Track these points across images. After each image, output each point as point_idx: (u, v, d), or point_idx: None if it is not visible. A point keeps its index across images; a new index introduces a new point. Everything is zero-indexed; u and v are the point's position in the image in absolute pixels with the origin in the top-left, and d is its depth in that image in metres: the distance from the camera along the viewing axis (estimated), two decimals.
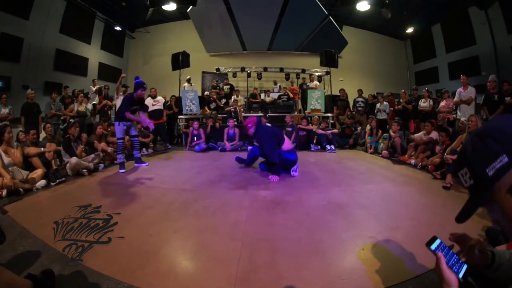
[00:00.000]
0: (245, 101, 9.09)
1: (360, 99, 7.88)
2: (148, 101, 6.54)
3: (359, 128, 7.45)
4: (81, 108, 6.36)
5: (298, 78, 11.35)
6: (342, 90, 8.33)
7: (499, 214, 0.56)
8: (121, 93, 5.83)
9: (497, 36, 8.32)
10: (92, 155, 4.39)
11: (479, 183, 0.55)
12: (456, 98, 5.61)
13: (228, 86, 9.28)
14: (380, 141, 5.86)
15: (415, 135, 5.00)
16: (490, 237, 1.79)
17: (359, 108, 7.76)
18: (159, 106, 6.66)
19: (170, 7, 9.08)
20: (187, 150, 6.39)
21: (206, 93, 9.08)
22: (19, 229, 2.13)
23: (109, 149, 4.77)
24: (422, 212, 2.48)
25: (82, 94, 6.74)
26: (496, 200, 0.54)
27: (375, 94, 9.35)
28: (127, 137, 4.73)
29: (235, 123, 6.74)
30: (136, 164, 4.50)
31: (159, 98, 6.77)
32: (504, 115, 0.60)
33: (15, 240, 1.94)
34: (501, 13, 8.04)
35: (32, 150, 3.69)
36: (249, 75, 11.41)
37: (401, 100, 7.08)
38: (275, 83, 10.72)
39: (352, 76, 11.91)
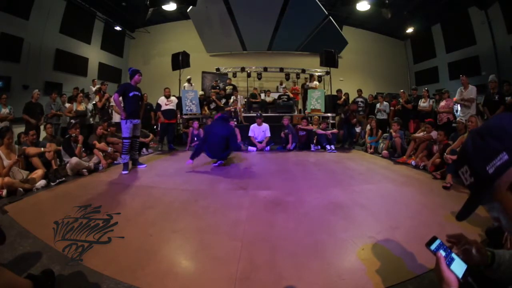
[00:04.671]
0: (245, 101, 9.09)
1: (359, 99, 7.88)
2: (162, 100, 6.49)
3: (359, 128, 7.46)
4: (80, 108, 6.35)
5: (298, 78, 11.35)
6: (339, 91, 8.33)
7: (500, 212, 0.56)
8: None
9: (497, 36, 8.32)
10: (95, 157, 4.40)
11: (479, 181, 0.55)
12: (457, 97, 5.62)
13: (231, 87, 9.29)
14: (380, 141, 5.87)
15: (417, 134, 5.00)
16: (490, 237, 1.79)
17: (359, 108, 7.76)
18: (172, 106, 6.51)
19: (170, 7, 9.07)
20: (187, 150, 6.39)
21: (200, 93, 9.03)
22: (19, 229, 2.13)
23: (109, 149, 4.77)
24: (422, 212, 2.48)
25: (81, 94, 6.73)
26: (497, 198, 0.54)
27: (375, 94, 9.35)
28: None
29: (235, 123, 6.74)
30: (133, 165, 4.40)
31: (172, 98, 6.66)
32: (505, 113, 0.60)
33: (15, 240, 1.94)
34: (501, 13, 8.04)
35: (32, 150, 3.69)
36: (249, 75, 11.40)
37: (400, 100, 7.09)
38: (281, 83, 10.75)
39: (352, 76, 11.91)
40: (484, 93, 5.77)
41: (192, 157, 4.28)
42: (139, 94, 4.34)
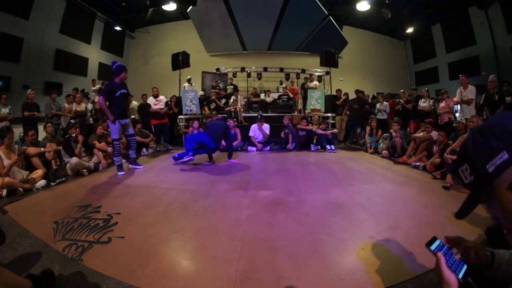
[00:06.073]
0: (245, 101, 9.09)
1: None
2: (150, 101, 6.44)
3: (359, 128, 7.45)
4: (80, 108, 6.35)
5: (298, 78, 11.36)
6: (339, 91, 8.32)
7: (499, 211, 0.55)
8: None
9: (497, 36, 8.32)
10: (95, 157, 4.40)
11: (479, 179, 0.55)
12: (456, 98, 5.63)
13: (232, 87, 9.31)
14: (380, 141, 5.87)
15: (417, 134, 5.00)
16: (490, 237, 1.79)
17: None
18: (161, 105, 6.44)
19: (170, 7, 9.08)
20: None
21: (200, 93, 9.04)
22: (19, 229, 2.13)
23: (109, 149, 4.76)
24: (422, 212, 2.48)
25: (78, 94, 6.71)
26: (496, 197, 0.54)
27: (375, 94, 9.34)
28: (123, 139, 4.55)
29: (235, 123, 6.74)
30: (130, 165, 4.32)
31: (161, 97, 6.53)
32: (506, 112, 0.59)
33: (15, 240, 1.94)
34: (501, 13, 8.04)
35: (32, 150, 3.69)
36: (249, 75, 11.41)
37: (400, 100, 7.09)
38: (281, 83, 10.79)
39: (352, 76, 11.91)
40: (484, 93, 5.77)
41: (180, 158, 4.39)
42: (126, 91, 4.11)
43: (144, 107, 7.16)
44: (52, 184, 3.41)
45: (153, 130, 6.52)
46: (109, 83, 4.14)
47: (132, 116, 6.22)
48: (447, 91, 6.10)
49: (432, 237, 0.78)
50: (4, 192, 2.91)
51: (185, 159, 4.34)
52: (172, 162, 4.57)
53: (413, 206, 2.65)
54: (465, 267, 0.71)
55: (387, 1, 8.45)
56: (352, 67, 12.04)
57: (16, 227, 2.17)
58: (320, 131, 6.32)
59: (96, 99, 7.01)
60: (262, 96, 9.61)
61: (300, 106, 9.90)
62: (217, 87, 9.48)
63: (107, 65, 10.76)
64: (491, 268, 0.80)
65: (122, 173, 3.99)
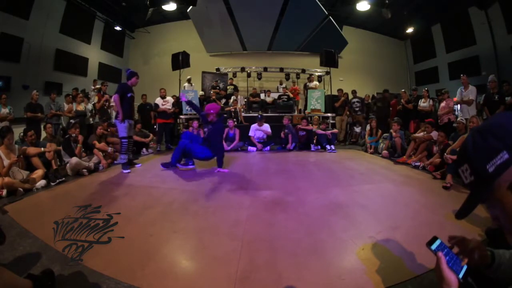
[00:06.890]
0: (245, 101, 9.09)
1: (355, 99, 7.87)
2: (158, 101, 6.56)
3: (359, 128, 7.46)
4: (80, 108, 6.36)
5: (298, 78, 11.36)
6: (340, 91, 8.32)
7: (499, 211, 0.55)
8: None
9: (497, 36, 8.32)
10: (95, 157, 4.40)
11: (479, 180, 0.55)
12: (457, 98, 5.63)
13: (232, 87, 9.32)
14: (380, 141, 5.87)
15: (417, 134, 5.00)
16: (490, 237, 1.79)
17: (356, 109, 7.76)
18: (169, 106, 6.61)
19: (170, 7, 9.09)
20: None
21: (200, 93, 9.05)
22: (19, 229, 2.13)
23: (109, 149, 4.76)
24: (422, 212, 2.48)
25: (80, 94, 6.73)
26: (497, 197, 0.54)
27: (375, 94, 9.33)
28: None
29: (235, 123, 6.74)
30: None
31: (168, 98, 6.72)
32: (506, 112, 0.59)
33: (15, 240, 1.94)
34: (501, 13, 8.04)
35: (32, 150, 3.69)
36: (249, 75, 11.41)
37: (401, 100, 7.09)
38: (281, 83, 10.80)
39: (352, 76, 11.91)
40: (484, 93, 5.77)
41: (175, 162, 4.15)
42: (133, 95, 4.41)
43: (144, 107, 7.16)
44: (52, 184, 3.41)
45: (157, 129, 6.57)
46: (123, 84, 4.32)
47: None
48: (448, 91, 6.10)
49: (433, 236, 0.78)
50: (4, 192, 2.91)
51: (167, 167, 4.19)
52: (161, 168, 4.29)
53: (413, 206, 2.65)
54: (465, 267, 0.71)
55: (387, 1, 8.46)
56: (352, 67, 12.03)
57: (16, 227, 2.17)
58: (320, 131, 6.32)
59: (96, 99, 7.03)
60: (262, 96, 9.60)
61: (301, 106, 9.89)
62: (217, 87, 9.48)
63: (107, 65, 10.80)
64: (491, 268, 0.80)
65: (128, 171, 4.06)
